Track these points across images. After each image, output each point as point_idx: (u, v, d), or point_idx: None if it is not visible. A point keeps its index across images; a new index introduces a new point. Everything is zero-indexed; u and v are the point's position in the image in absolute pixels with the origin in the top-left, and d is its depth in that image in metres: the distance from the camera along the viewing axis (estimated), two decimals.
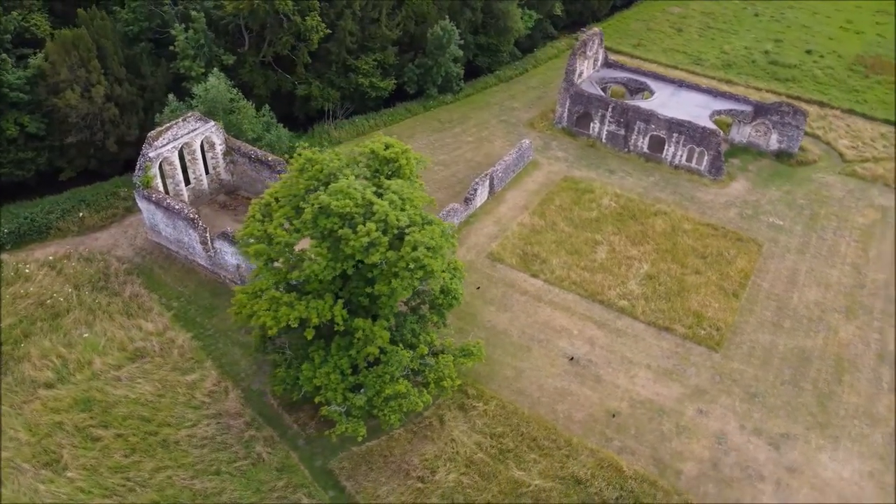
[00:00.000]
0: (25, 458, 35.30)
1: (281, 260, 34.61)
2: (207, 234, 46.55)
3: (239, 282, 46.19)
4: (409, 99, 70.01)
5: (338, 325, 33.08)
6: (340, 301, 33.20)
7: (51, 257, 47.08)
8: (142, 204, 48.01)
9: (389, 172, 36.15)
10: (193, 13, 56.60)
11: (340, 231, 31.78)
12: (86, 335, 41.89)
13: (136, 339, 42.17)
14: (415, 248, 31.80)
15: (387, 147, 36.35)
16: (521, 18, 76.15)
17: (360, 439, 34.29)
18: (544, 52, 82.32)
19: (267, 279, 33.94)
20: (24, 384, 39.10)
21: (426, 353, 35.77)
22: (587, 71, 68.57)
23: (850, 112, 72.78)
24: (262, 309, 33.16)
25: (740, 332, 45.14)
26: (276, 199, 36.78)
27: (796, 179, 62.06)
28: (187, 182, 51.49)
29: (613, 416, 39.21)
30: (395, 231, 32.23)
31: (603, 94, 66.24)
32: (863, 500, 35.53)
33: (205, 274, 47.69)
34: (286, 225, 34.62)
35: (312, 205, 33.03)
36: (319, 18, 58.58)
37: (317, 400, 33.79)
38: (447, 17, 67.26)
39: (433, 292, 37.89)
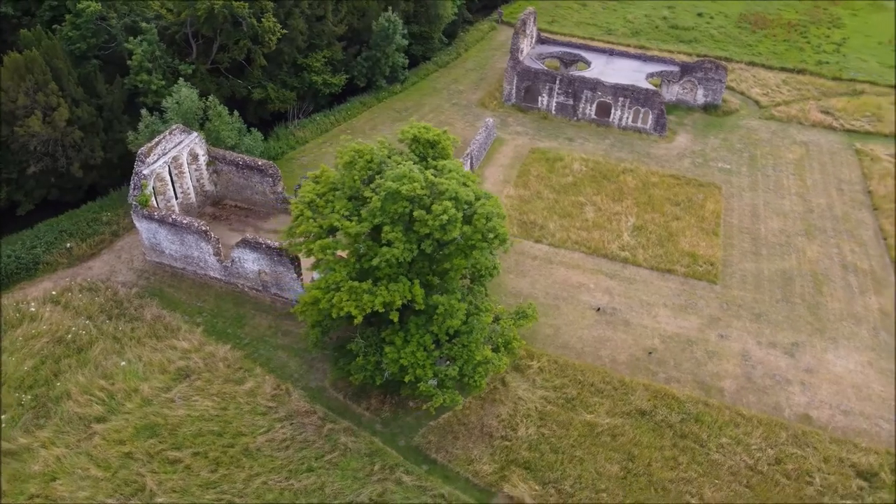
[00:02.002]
0: (107, 493, 34.00)
1: (347, 251, 35.30)
2: (220, 245, 45.83)
3: (260, 288, 45.85)
4: (359, 92, 70.63)
5: (418, 304, 34.39)
6: (416, 281, 34.49)
7: (53, 292, 44.46)
8: (141, 224, 46.22)
9: (435, 154, 37.63)
10: (144, 25, 54.50)
11: (415, 213, 33.03)
12: (122, 363, 40.29)
13: (174, 360, 41.06)
14: (489, 219, 33.68)
15: (427, 131, 37.78)
16: (448, 6, 78.39)
17: (459, 407, 35.86)
18: (471, 36, 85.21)
19: (340, 271, 34.54)
20: (73, 423, 37.27)
21: (491, 320, 37.74)
22: (526, 48, 72.14)
23: (752, 64, 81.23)
24: (342, 300, 33.75)
25: (729, 265, 50.41)
26: (319, 196, 37.36)
27: (727, 127, 68.92)
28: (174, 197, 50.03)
29: (650, 353, 43.00)
30: (465, 206, 33.87)
31: (546, 68, 70.05)
32: (870, 385, 41.46)
33: (220, 286, 46.78)
34: (348, 216, 35.24)
35: (377, 192, 34.02)
36: (274, 20, 58.07)
37: (407, 379, 34.84)
38: (389, 8, 68.39)
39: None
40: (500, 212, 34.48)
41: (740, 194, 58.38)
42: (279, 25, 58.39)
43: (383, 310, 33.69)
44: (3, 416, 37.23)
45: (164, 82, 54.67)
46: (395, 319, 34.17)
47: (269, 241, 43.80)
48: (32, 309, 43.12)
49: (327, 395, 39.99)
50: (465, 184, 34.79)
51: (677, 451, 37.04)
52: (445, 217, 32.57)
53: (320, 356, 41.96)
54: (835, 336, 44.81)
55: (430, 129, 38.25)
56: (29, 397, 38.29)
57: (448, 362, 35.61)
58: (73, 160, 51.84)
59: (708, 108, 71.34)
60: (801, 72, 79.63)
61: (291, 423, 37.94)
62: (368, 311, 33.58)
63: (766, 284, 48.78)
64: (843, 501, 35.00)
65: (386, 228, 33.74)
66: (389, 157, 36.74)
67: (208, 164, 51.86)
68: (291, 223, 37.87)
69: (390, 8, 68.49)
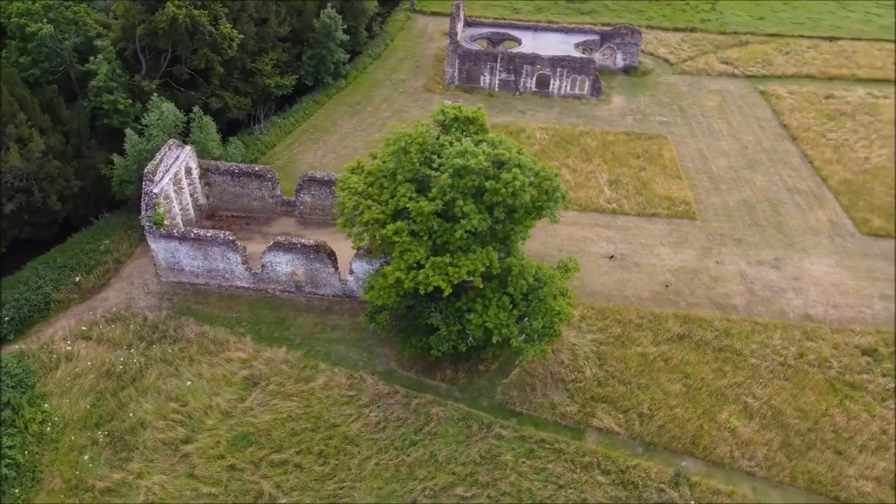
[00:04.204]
0: None
1: (420, 230, 36.94)
2: (247, 253, 45.55)
3: (293, 289, 46.07)
4: (306, 92, 70.59)
5: (494, 268, 36.83)
6: (489, 247, 36.88)
7: (83, 327, 42.33)
8: (158, 244, 44.82)
9: (475, 130, 39.98)
10: (100, 43, 52.05)
11: (486, 183, 35.41)
12: (187, 384, 39.52)
13: (236, 371, 40.80)
14: (551, 180, 36.69)
15: (461, 109, 40.06)
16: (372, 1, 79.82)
17: (549, 355, 38.88)
18: (392, 27, 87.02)
19: (417, 249, 36.20)
20: (159, 449, 36.42)
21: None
22: (460, 32, 75.14)
23: (650, 28, 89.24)
24: (428, 276, 35.48)
25: (700, 202, 56.62)
26: (371, 185, 38.67)
27: (650, 86, 75.86)
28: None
29: (667, 286, 47.98)
30: (529, 171, 36.64)
31: (484, 49, 73.51)
32: (844, 282, 48.86)
33: (249, 295, 46.40)
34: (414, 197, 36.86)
35: (442, 171, 36.04)
36: (230, 25, 57.22)
37: (494, 340, 37.13)
38: (329, 5, 68.89)
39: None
40: (556, 172, 37.58)
41: (685, 141, 65.10)
42: (236, 31, 57.59)
43: (470, 278, 35.85)
44: (85, 458, 35.72)
45: (130, 101, 52.55)
46: (481, 285, 36.44)
47: (303, 240, 44.22)
48: (68, 347, 40.98)
49: (399, 375, 41.42)
50: (519, 152, 37.53)
51: (721, 363, 42.18)
52: (517, 183, 35.23)
53: (376, 342, 43.21)
54: (804, 247, 52.05)
55: (461, 107, 40.55)
56: (102, 434, 36.84)
57: (526, 318, 38.33)
58: (49, 192, 48.96)
59: (628, 71, 77.99)
60: (692, 30, 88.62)
61: (378, 406, 39.18)
62: (456, 281, 35.61)
63: (736, 214, 55.41)
64: (861, 376, 41.63)
65: (459, 203, 35.79)
66: (437, 139, 38.68)
67: (200, 177, 50.79)
68: (346, 215, 38.90)
69: (329, 5, 68.94)
